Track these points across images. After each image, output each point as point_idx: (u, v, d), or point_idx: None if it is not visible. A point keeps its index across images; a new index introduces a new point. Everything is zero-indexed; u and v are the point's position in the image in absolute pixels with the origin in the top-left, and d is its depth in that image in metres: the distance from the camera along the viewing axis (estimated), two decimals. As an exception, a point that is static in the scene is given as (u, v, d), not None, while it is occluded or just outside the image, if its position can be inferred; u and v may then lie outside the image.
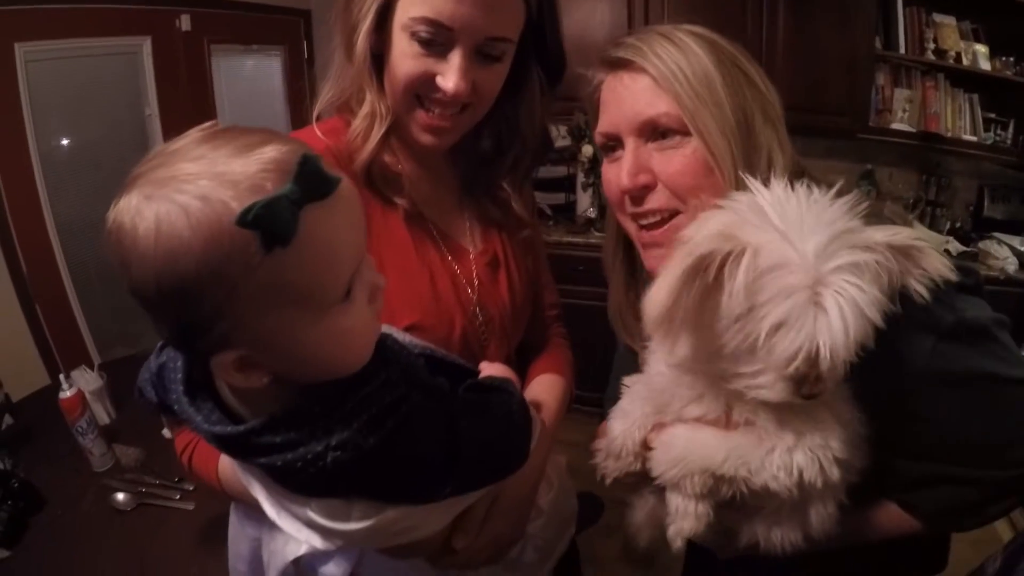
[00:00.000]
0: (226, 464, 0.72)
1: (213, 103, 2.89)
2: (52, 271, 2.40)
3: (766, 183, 0.59)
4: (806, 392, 0.56)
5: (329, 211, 0.45)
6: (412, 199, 0.80)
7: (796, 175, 0.62)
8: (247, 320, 0.45)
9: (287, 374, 0.49)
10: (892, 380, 0.66)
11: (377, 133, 0.76)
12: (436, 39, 0.69)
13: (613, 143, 0.77)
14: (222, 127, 0.47)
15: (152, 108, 2.66)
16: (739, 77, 0.71)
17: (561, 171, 3.03)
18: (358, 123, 0.76)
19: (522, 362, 0.94)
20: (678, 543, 0.68)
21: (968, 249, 2.63)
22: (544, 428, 0.79)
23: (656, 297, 0.57)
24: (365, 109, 0.76)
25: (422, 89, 0.72)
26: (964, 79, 2.67)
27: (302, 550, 0.71)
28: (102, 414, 1.52)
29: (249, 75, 3.22)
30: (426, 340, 0.73)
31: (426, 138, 0.77)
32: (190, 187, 0.42)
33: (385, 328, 0.59)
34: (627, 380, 0.76)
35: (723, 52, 0.71)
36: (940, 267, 0.55)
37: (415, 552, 0.68)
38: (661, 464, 0.67)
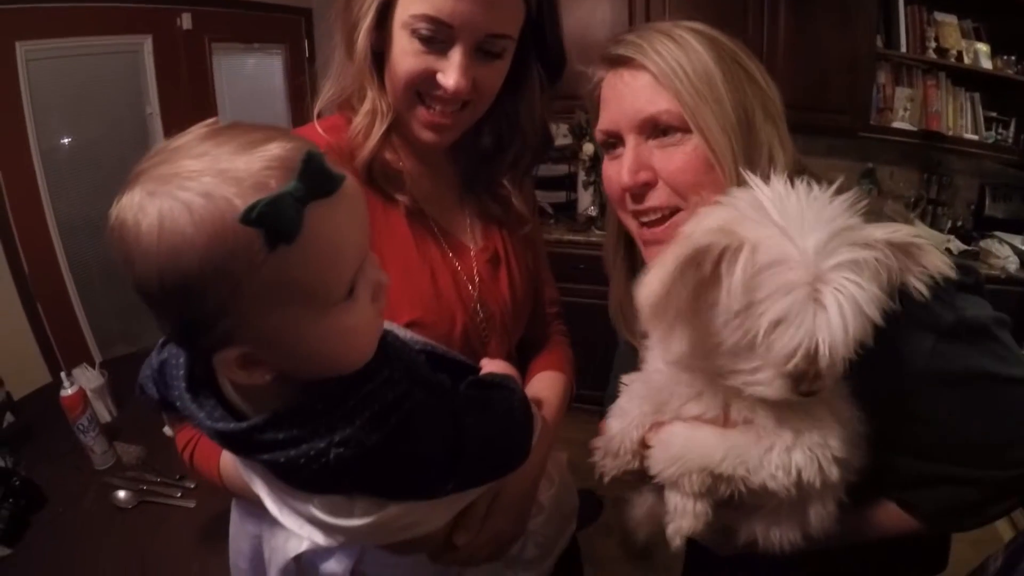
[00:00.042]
0: (228, 461, 0.72)
1: (214, 102, 2.89)
2: (53, 269, 2.40)
3: (766, 180, 0.59)
4: (804, 389, 0.56)
5: (333, 209, 0.45)
6: (413, 196, 0.80)
7: (797, 172, 0.62)
8: (250, 317, 0.45)
9: (290, 371, 0.50)
10: (892, 379, 0.65)
11: (378, 130, 0.76)
12: (436, 36, 0.69)
13: (614, 140, 0.76)
14: (225, 124, 0.47)
15: (153, 107, 2.66)
16: (739, 74, 0.70)
17: (562, 169, 3.03)
18: (359, 120, 0.76)
19: (522, 359, 0.94)
20: (677, 541, 0.68)
21: (969, 248, 2.63)
22: (545, 425, 0.79)
23: (649, 285, 0.56)
24: (366, 107, 0.76)
25: (423, 86, 0.73)
26: (965, 78, 2.66)
27: (303, 547, 0.71)
28: (103, 412, 1.52)
29: (250, 73, 3.22)
30: (427, 337, 0.73)
31: (427, 135, 0.77)
32: (193, 184, 0.42)
33: (386, 325, 0.59)
34: (625, 378, 0.76)
35: (723, 49, 0.71)
36: (940, 264, 0.55)
37: (417, 548, 0.68)
38: (659, 462, 0.67)
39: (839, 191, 0.56)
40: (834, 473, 0.62)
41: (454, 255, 0.84)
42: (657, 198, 0.73)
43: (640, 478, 0.73)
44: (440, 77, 0.70)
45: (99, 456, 1.37)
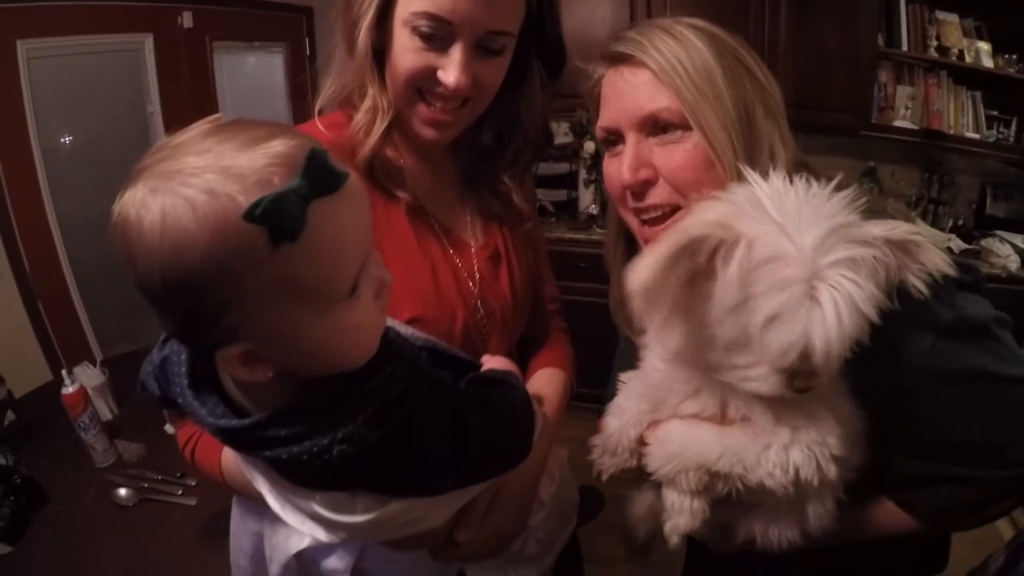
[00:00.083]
0: (229, 457, 0.72)
1: (215, 100, 2.89)
2: (54, 267, 2.40)
3: (765, 176, 0.58)
4: (799, 386, 0.56)
5: (337, 206, 0.45)
6: (414, 193, 0.80)
7: (797, 170, 0.62)
8: (253, 314, 0.44)
9: (292, 368, 0.50)
10: (891, 377, 0.65)
11: (379, 127, 0.76)
12: (437, 33, 0.69)
13: (614, 138, 0.76)
14: (228, 120, 0.47)
15: (154, 105, 2.66)
16: (740, 70, 0.70)
17: (563, 168, 3.03)
18: (360, 117, 0.76)
19: (523, 356, 0.94)
20: (674, 539, 0.68)
21: (970, 247, 2.63)
22: (546, 421, 0.79)
23: (639, 271, 0.56)
24: (367, 104, 0.76)
25: (423, 83, 0.73)
26: (967, 77, 2.66)
27: (304, 543, 0.72)
28: (104, 410, 1.53)
29: (251, 72, 3.22)
30: (428, 333, 0.73)
31: (428, 132, 0.77)
32: (196, 180, 0.41)
33: (387, 321, 0.59)
34: (623, 376, 0.76)
35: (723, 45, 0.71)
36: (939, 262, 0.54)
37: (418, 545, 0.68)
38: (656, 459, 0.67)
39: (838, 188, 0.56)
40: (832, 471, 0.62)
41: (455, 252, 0.84)
42: (658, 196, 0.73)
43: (639, 476, 0.73)
44: (441, 74, 0.71)
45: (100, 454, 1.37)
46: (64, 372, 1.36)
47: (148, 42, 2.59)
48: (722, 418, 0.65)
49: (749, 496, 0.65)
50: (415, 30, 0.69)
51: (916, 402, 0.67)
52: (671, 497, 0.67)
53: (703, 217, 0.56)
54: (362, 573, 0.77)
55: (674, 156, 0.71)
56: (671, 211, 0.73)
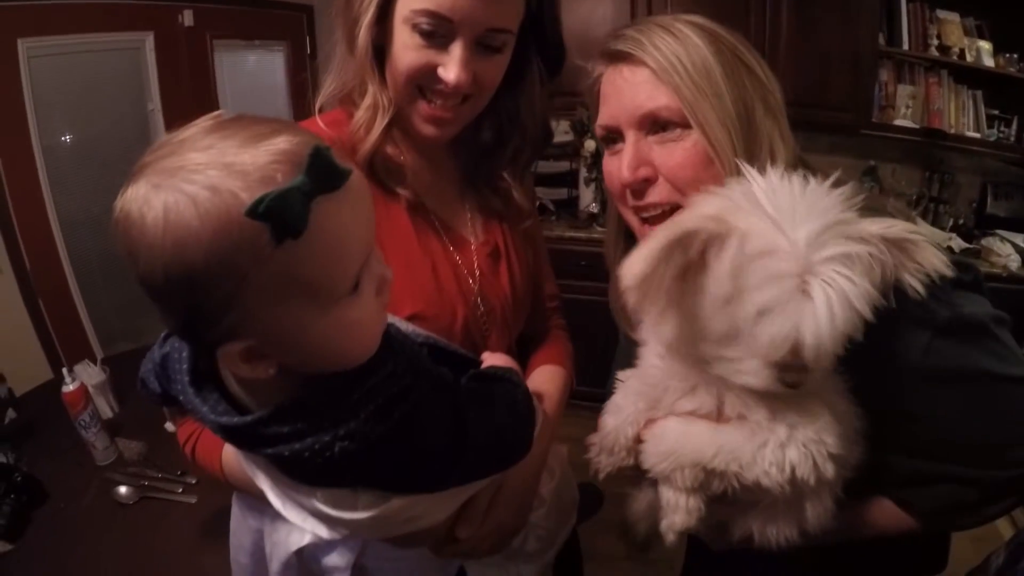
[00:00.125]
0: (230, 454, 0.72)
1: (216, 98, 2.89)
2: (55, 265, 2.41)
3: (763, 173, 0.58)
4: (790, 380, 0.56)
5: (340, 203, 0.45)
6: (414, 190, 0.80)
7: (797, 167, 0.62)
8: (255, 311, 0.44)
9: (294, 365, 0.49)
10: (888, 376, 0.65)
11: (380, 125, 0.76)
12: (437, 31, 0.69)
13: (614, 136, 0.76)
14: (230, 117, 0.47)
15: (155, 103, 2.66)
16: (739, 68, 0.70)
17: (563, 166, 3.03)
18: (361, 115, 0.77)
19: (522, 353, 0.94)
20: (671, 537, 0.68)
21: (971, 246, 2.63)
22: (546, 418, 0.79)
23: (633, 262, 0.56)
24: (367, 101, 0.76)
25: (424, 80, 0.73)
26: (967, 76, 2.66)
27: (305, 540, 0.72)
28: (105, 408, 1.53)
29: (252, 70, 3.22)
30: (428, 330, 0.73)
31: (428, 129, 0.77)
32: (199, 177, 0.41)
33: (388, 318, 0.59)
34: (621, 375, 0.76)
35: (723, 42, 0.71)
36: (935, 261, 0.54)
37: (419, 541, 0.68)
38: (652, 457, 0.67)
39: (835, 185, 0.56)
40: (829, 470, 0.61)
41: (455, 249, 0.84)
42: (657, 194, 0.73)
43: (637, 475, 0.73)
44: (441, 71, 0.71)
45: (100, 452, 1.37)
46: (64, 370, 1.36)
47: (149, 40, 2.59)
48: (719, 415, 0.65)
49: (745, 494, 0.64)
50: (415, 27, 0.69)
51: (914, 401, 0.67)
52: (667, 495, 0.67)
53: (697, 211, 0.57)
54: (363, 570, 0.77)
55: (673, 154, 0.71)
56: (671, 209, 0.73)
